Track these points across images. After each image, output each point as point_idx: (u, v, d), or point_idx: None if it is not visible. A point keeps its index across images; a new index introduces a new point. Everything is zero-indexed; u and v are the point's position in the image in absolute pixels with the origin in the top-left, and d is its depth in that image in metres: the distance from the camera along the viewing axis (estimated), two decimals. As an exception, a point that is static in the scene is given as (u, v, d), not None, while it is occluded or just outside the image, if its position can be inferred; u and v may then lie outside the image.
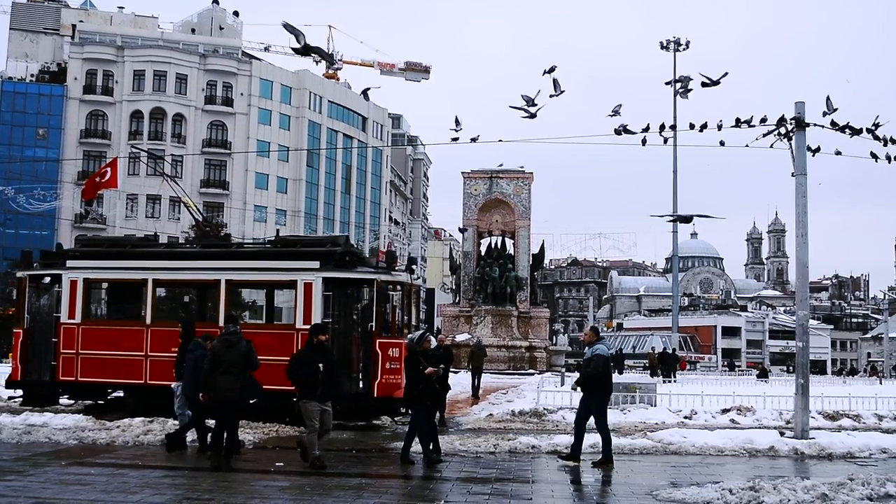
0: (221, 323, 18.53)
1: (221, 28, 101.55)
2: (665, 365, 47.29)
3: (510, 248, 55.65)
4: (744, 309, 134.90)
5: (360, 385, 18.95)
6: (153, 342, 19.86)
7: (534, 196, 55.94)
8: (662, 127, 20.09)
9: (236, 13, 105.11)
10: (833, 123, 18.32)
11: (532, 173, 55.83)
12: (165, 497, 10.83)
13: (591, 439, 16.41)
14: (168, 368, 17.69)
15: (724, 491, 11.27)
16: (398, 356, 18.77)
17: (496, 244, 55.89)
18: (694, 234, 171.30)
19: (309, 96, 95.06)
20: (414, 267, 20.59)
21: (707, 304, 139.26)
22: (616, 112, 21.56)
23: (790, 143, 18.41)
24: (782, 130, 18.34)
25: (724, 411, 23.07)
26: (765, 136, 18.57)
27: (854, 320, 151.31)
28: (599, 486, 12.48)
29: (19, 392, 21.49)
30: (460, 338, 47.82)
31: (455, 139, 24.94)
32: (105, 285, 22.27)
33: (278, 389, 16.23)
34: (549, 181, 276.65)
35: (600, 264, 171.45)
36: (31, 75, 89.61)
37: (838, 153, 19.12)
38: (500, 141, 27.19)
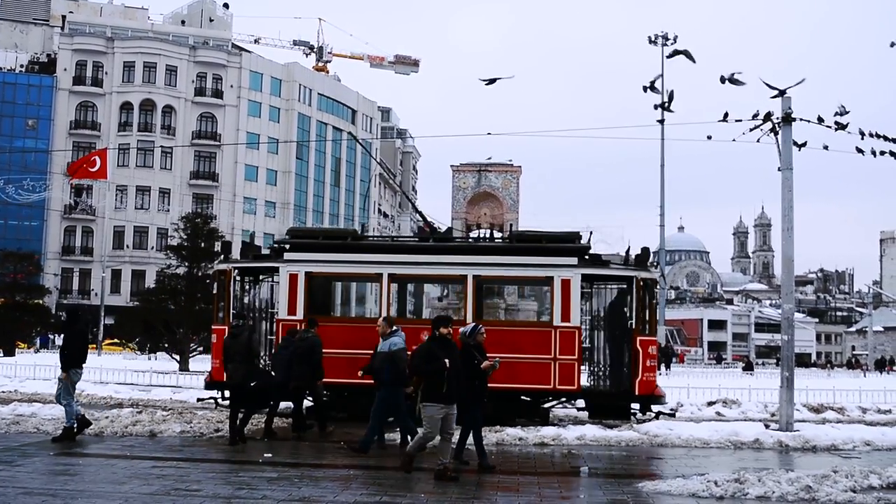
0: (469, 320, 18.14)
1: (211, 20, 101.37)
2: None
3: (499, 242, 55.54)
4: (730, 302, 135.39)
5: (620, 383, 18.76)
6: None
7: (522, 189, 55.94)
8: (663, 105, 20.21)
9: (226, 5, 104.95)
10: (819, 119, 18.43)
11: (520, 167, 55.78)
12: (154, 487, 10.86)
13: (583, 431, 16.56)
14: None
15: (709, 483, 11.34)
16: (655, 354, 18.89)
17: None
18: (681, 228, 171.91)
19: (299, 89, 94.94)
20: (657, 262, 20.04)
21: (693, 298, 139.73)
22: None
23: (777, 138, 18.53)
24: (768, 125, 18.46)
25: (710, 404, 23.25)
26: (751, 130, 18.69)
27: (839, 314, 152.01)
28: (587, 479, 12.54)
29: (211, 393, 19.73)
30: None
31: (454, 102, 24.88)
32: (329, 279, 20.63)
33: (536, 388, 18.17)
34: (537, 175, 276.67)
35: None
36: (21, 66, 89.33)
37: (825, 148, 19.22)
38: (489, 134, 27.18)
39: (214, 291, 20.54)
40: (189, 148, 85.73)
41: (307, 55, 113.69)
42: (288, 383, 16.46)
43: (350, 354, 17.67)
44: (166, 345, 39.83)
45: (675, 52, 19.62)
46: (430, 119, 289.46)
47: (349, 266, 19.75)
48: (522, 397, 18.63)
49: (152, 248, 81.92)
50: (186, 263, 40.93)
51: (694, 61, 19.25)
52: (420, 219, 20.67)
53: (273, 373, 17.03)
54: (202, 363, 41.07)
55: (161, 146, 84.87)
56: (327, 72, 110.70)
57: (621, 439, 16.44)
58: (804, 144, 18.83)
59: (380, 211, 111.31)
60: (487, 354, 13.18)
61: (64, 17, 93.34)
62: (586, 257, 19.15)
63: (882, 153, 18.70)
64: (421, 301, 25.16)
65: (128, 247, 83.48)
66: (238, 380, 15.45)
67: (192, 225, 41.92)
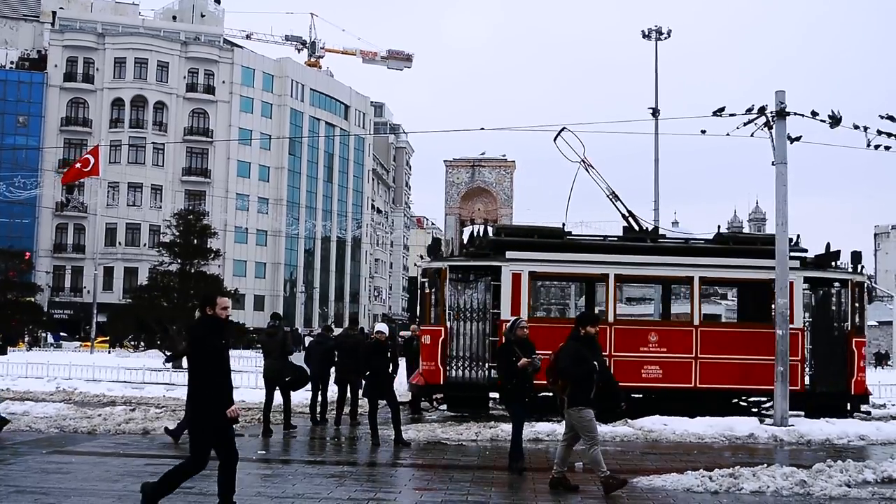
0: (696, 322, 18.84)
1: (203, 15, 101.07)
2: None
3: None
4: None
5: (837, 383, 19.14)
6: (616, 343, 18.51)
7: (516, 184, 56.06)
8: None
9: (217, 0, 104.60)
10: (813, 113, 18.41)
11: (514, 161, 56.00)
12: (147, 485, 10.79)
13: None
14: (632, 369, 18.29)
15: (704, 477, 11.34)
16: (865, 354, 19.46)
17: (478, 232, 55.72)
18: (675, 223, 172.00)
19: (291, 84, 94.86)
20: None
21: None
22: None
23: (771, 132, 18.51)
24: (762, 120, 18.45)
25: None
26: (745, 125, 18.68)
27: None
28: (582, 474, 12.52)
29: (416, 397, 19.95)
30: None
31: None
32: (550, 279, 20.67)
33: (761, 389, 18.90)
34: (531, 170, 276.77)
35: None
36: (11, 62, 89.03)
37: (819, 144, 19.25)
38: (483, 129, 27.09)
39: (427, 290, 19.86)
40: (181, 144, 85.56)
41: (299, 50, 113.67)
42: (319, 375, 17.95)
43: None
44: (167, 343, 39.79)
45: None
46: (424, 114, 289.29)
47: (574, 266, 19.55)
48: (737, 398, 19.19)
49: (145, 244, 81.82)
50: (179, 260, 40.90)
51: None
52: (625, 215, 20.78)
53: (306, 366, 17.95)
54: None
55: (153, 142, 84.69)
56: (320, 67, 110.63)
57: (616, 435, 16.44)
58: (798, 139, 18.82)
59: (373, 207, 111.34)
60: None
61: (54, 13, 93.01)
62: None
63: (877, 147, 18.69)
64: (638, 300, 25.49)
65: (120, 244, 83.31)
66: (274, 375, 16.49)
67: (184, 222, 41.90)
